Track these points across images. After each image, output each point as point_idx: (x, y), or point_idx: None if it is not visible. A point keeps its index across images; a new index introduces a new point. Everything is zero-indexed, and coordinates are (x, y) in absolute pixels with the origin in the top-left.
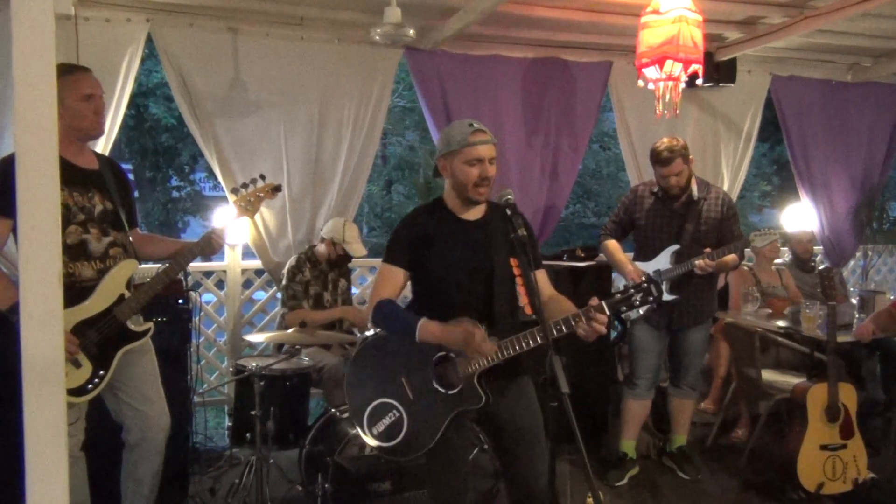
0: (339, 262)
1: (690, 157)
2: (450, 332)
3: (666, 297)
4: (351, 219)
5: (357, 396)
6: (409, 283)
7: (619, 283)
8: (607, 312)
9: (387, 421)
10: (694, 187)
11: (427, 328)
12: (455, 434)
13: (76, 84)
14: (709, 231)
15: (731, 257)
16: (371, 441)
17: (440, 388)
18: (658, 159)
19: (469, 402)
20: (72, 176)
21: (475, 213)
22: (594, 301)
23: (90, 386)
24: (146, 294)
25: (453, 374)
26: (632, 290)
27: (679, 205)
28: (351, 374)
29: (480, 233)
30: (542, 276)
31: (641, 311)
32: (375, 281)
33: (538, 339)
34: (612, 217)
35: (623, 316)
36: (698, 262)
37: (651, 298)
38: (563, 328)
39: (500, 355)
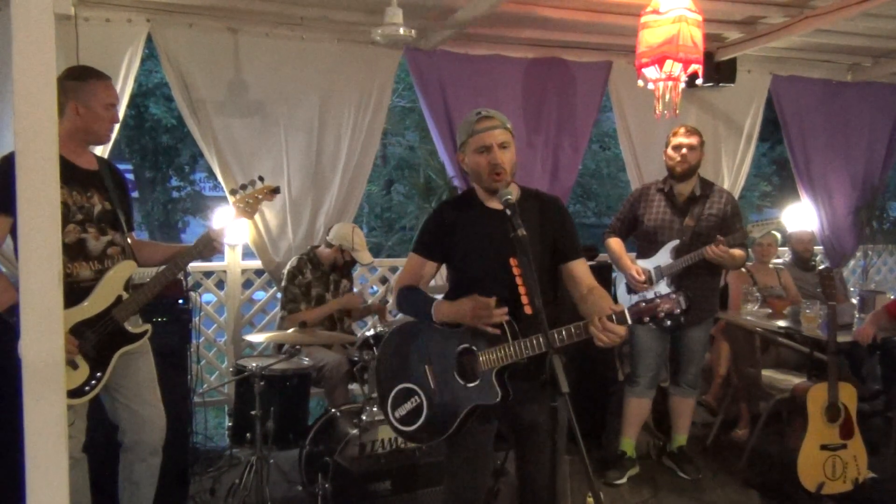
0: (344, 267)
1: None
2: (459, 305)
3: (666, 291)
4: (351, 219)
5: (384, 379)
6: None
7: (620, 281)
8: (629, 321)
9: (408, 406)
10: (697, 185)
11: (440, 308)
12: (479, 429)
13: (106, 91)
14: (710, 228)
15: (738, 252)
16: (393, 424)
17: (460, 380)
18: (679, 132)
19: (486, 396)
20: (72, 175)
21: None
22: (618, 307)
23: (87, 388)
24: (144, 295)
25: (475, 367)
26: (657, 300)
27: (683, 202)
28: (380, 357)
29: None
30: (582, 267)
31: (668, 323)
32: (401, 269)
33: (541, 346)
34: (618, 215)
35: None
36: (709, 248)
37: (678, 311)
38: (572, 336)
39: (509, 354)
